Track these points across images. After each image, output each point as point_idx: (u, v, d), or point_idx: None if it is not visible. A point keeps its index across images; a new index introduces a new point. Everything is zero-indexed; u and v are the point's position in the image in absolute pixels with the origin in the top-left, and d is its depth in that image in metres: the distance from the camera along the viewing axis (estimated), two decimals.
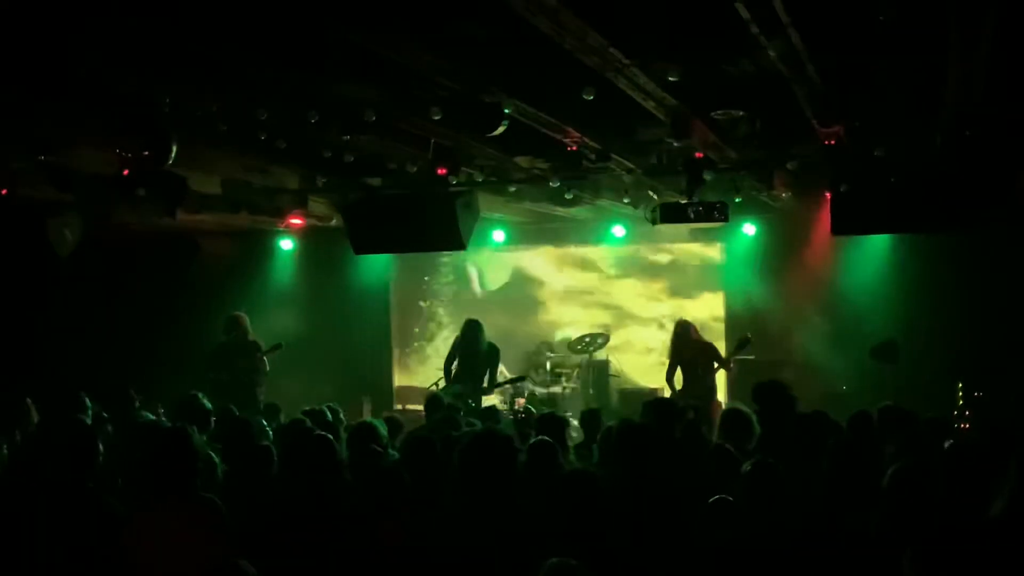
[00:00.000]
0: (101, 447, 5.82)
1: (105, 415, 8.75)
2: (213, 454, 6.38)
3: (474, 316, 12.52)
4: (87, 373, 11.28)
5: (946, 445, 5.68)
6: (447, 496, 5.25)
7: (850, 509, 5.15)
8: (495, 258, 15.88)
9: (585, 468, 5.34)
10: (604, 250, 15.35)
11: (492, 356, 11.99)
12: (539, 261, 15.98)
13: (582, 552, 4.00)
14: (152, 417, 9.22)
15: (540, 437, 6.31)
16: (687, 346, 11.79)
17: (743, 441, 6.79)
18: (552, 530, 4.48)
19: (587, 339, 14.77)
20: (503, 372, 12.77)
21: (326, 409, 8.81)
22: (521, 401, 13.14)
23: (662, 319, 15.21)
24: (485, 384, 11.89)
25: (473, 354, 11.91)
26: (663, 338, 14.47)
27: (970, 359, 11.96)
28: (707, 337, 12.46)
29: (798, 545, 4.83)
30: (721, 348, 12.62)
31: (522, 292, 15.97)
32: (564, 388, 14.22)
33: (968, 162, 8.96)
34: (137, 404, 9.60)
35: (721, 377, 11.98)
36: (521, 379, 12.98)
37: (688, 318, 12.64)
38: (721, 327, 14.41)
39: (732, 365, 11.90)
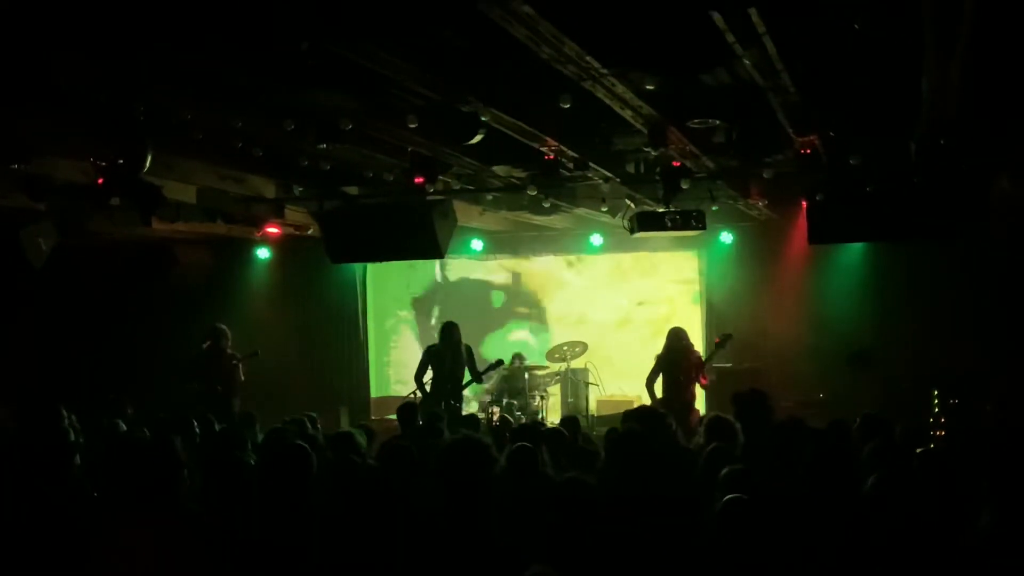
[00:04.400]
0: (77, 458, 5.77)
1: (79, 425, 8.68)
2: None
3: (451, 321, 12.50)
4: (62, 383, 11.21)
5: (919, 451, 5.71)
6: (425, 503, 5.23)
7: (828, 516, 5.16)
8: (471, 266, 15.87)
9: (580, 477, 5.33)
10: (581, 259, 15.37)
11: (469, 354, 11.98)
12: (517, 269, 15.97)
13: (565, 560, 4.00)
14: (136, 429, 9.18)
15: (520, 443, 6.31)
16: (678, 354, 11.71)
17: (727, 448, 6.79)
18: (535, 537, 4.47)
19: (565, 347, 14.76)
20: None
21: (305, 419, 8.78)
22: (496, 410, 13.12)
23: (640, 327, 15.23)
24: (468, 378, 11.89)
25: (453, 356, 11.88)
26: (641, 346, 14.49)
27: (945, 367, 12.02)
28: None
29: (778, 552, 4.83)
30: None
31: (499, 300, 15.97)
32: (542, 397, 14.19)
33: (943, 170, 9.01)
34: (129, 412, 9.55)
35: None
36: (499, 363, 12.91)
37: (669, 326, 12.61)
38: (699, 336, 14.41)
39: (709, 377, 11.83)
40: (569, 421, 9.00)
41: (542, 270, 15.85)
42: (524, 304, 15.97)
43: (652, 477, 5.78)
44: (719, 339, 11.90)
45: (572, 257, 15.47)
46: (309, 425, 8.59)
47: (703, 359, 11.73)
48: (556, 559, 3.99)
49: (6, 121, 7.25)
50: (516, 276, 16.02)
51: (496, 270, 16.03)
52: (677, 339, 11.67)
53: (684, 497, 5.68)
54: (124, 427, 8.80)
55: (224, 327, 12.48)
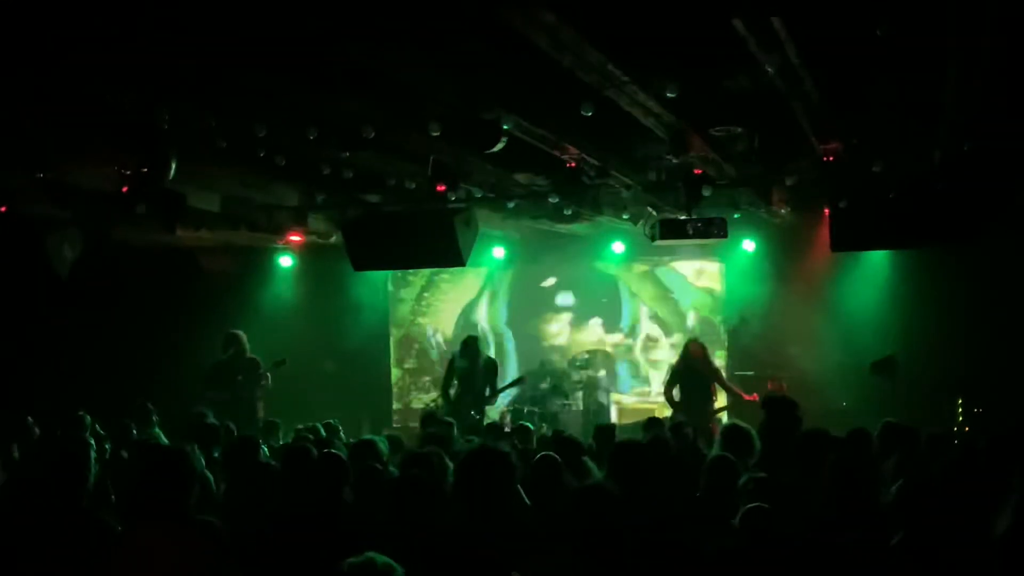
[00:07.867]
0: (96, 466, 5.78)
1: (103, 432, 8.74)
2: (209, 473, 6.35)
3: (472, 333, 12.57)
4: (86, 391, 11.27)
5: (946, 459, 5.68)
6: (446, 512, 5.23)
7: (849, 525, 5.14)
8: (495, 274, 15.87)
9: (600, 483, 5.33)
10: (603, 266, 15.34)
11: (491, 369, 12.03)
12: (538, 277, 15.95)
13: (585, 565, 4.00)
14: (161, 435, 9.25)
15: (545, 453, 6.32)
16: (694, 365, 11.70)
17: (743, 457, 6.78)
18: (559, 543, 4.47)
19: (586, 356, 14.75)
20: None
21: (319, 426, 8.81)
22: (506, 414, 13.20)
23: (661, 335, 15.20)
24: (487, 394, 11.92)
25: (473, 370, 11.93)
26: (663, 355, 14.48)
27: (970, 374, 11.94)
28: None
29: (797, 560, 4.81)
30: (720, 366, 12.62)
31: (522, 309, 15.94)
32: (563, 405, 14.17)
33: (967, 176, 8.97)
34: (155, 419, 9.61)
35: (720, 398, 11.98)
36: (521, 380, 12.95)
37: (691, 335, 12.64)
38: (721, 344, 14.39)
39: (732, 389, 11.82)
40: (603, 431, 8.94)
41: (564, 277, 15.82)
42: (548, 311, 15.92)
43: (653, 485, 5.78)
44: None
45: (592, 263, 15.42)
46: (324, 432, 8.62)
47: (723, 377, 11.77)
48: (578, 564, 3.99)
49: (32, 129, 7.31)
50: (539, 284, 16.00)
51: (517, 277, 16.00)
52: (695, 351, 11.70)
53: (693, 504, 5.69)
54: (146, 435, 8.88)
55: (242, 334, 12.51)
